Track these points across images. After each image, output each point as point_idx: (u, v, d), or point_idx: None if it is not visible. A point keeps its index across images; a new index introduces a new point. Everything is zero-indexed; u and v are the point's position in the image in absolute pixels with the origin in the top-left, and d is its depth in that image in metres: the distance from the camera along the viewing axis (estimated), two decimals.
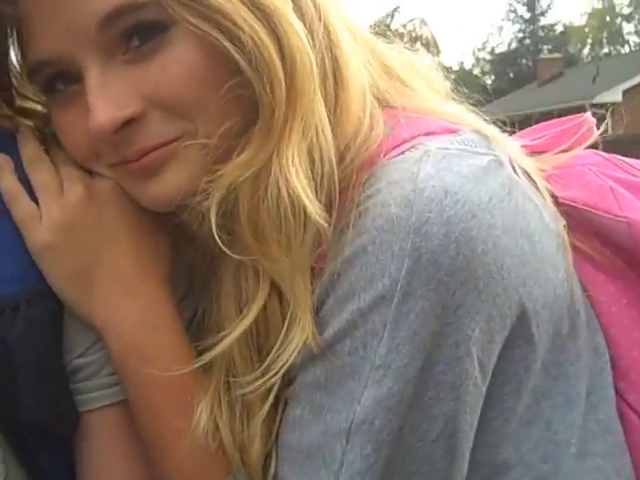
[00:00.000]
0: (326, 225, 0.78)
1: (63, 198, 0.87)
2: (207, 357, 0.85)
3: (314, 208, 0.77)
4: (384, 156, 0.79)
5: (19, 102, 0.96)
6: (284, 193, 0.77)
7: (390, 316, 0.74)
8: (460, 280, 0.73)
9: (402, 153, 0.79)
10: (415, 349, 0.74)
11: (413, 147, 0.79)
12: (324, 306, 0.79)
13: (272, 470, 0.84)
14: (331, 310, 0.78)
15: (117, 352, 0.86)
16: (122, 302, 0.86)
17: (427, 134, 0.81)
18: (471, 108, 0.93)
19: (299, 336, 0.79)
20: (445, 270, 0.72)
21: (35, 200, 0.87)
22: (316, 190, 0.78)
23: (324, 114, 0.80)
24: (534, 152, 0.93)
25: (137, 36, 0.79)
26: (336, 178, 0.79)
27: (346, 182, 0.80)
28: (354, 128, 0.82)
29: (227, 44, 0.77)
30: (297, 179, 0.77)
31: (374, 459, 0.76)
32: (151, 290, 0.88)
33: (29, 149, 0.90)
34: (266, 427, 0.85)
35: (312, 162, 0.79)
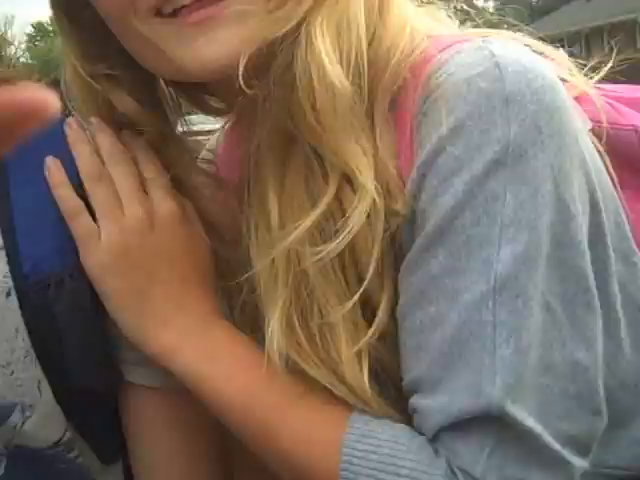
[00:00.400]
0: (350, 88, 0.78)
1: (123, 220, 0.87)
2: (277, 250, 0.81)
3: (333, 69, 0.77)
4: (439, 52, 0.80)
5: None
6: (309, 57, 0.78)
7: (508, 177, 0.74)
8: (558, 145, 0.76)
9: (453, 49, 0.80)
10: (539, 204, 0.74)
11: (460, 43, 0.80)
12: (423, 193, 0.77)
13: (406, 381, 0.79)
14: (436, 191, 0.76)
15: (183, 379, 0.86)
16: (177, 329, 0.86)
17: (464, 41, 0.82)
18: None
19: (365, 201, 0.77)
20: (545, 134, 0.75)
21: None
22: (341, 58, 0.79)
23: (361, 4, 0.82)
24: None
25: None
26: (365, 56, 0.80)
27: (398, 82, 0.81)
28: (394, 32, 0.83)
29: None
30: (322, 42, 0.78)
31: (527, 313, 0.74)
32: (204, 313, 0.88)
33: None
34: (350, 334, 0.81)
35: (339, 33, 0.79)
